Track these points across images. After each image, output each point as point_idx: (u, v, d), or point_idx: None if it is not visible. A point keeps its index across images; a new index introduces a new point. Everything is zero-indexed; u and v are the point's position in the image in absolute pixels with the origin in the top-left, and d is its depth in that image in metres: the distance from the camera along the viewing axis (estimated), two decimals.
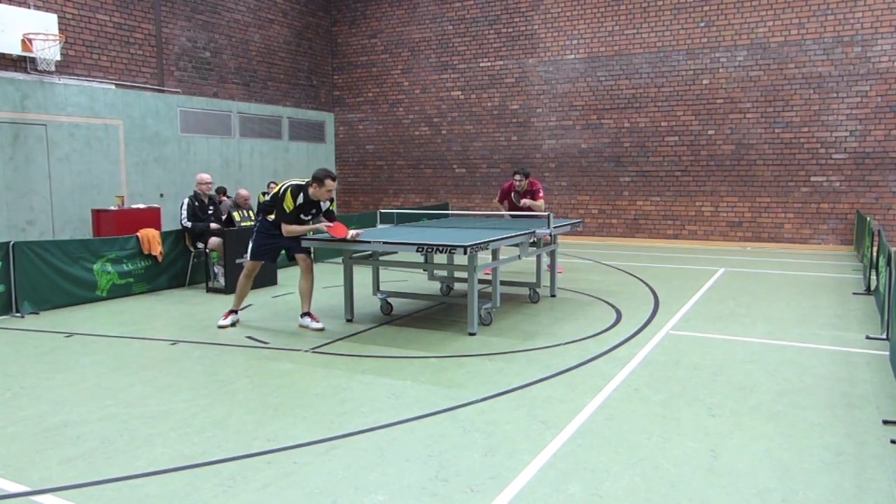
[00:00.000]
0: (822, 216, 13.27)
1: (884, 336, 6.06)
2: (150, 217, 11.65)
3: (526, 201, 9.52)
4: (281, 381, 5.03)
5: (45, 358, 5.76)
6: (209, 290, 8.99)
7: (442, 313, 7.45)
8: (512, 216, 9.71)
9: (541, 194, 9.71)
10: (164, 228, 11.10)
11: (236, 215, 9.32)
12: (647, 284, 9.12)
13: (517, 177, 9.74)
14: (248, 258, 7.01)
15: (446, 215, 11.46)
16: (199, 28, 14.47)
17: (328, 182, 6.68)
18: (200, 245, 9.14)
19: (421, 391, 4.78)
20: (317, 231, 6.99)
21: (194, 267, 9.33)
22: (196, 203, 9.20)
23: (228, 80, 15.27)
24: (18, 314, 7.37)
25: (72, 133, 12.00)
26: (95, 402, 4.60)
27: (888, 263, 6.09)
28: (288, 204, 6.64)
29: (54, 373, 5.31)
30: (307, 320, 6.80)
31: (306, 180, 6.85)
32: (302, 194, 6.69)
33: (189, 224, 9.10)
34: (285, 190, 6.69)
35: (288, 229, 6.72)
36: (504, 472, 3.48)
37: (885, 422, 4.10)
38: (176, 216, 9.66)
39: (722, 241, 14.08)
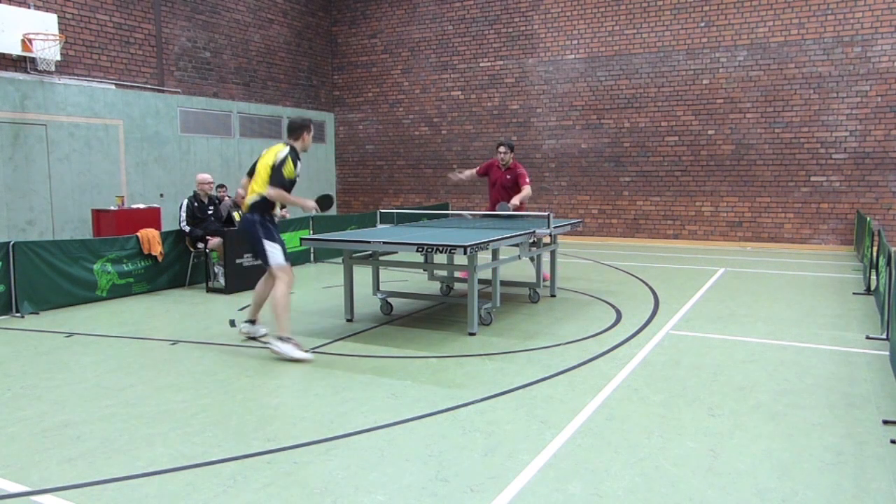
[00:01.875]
0: (822, 216, 13.27)
1: (884, 336, 6.06)
2: (150, 217, 11.65)
3: (515, 201, 8.62)
4: (281, 381, 5.03)
5: (45, 358, 5.76)
6: (209, 290, 8.99)
7: (442, 313, 7.45)
8: (487, 215, 8.87)
9: (527, 180, 8.92)
10: (164, 228, 11.10)
11: (236, 215, 9.32)
12: (647, 284, 9.12)
13: (501, 149, 8.86)
14: (283, 262, 5.82)
15: (446, 215, 11.47)
16: (199, 28, 14.47)
17: (312, 130, 6.05)
18: (200, 245, 9.14)
19: (421, 391, 4.78)
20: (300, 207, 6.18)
21: (194, 267, 9.33)
22: (195, 203, 9.20)
23: (228, 80, 15.27)
24: (18, 314, 7.37)
25: (72, 133, 12.00)
26: (95, 402, 4.60)
27: (888, 263, 6.09)
28: (289, 171, 5.81)
29: (54, 373, 5.31)
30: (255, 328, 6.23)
31: (286, 143, 6.02)
32: (299, 161, 5.98)
33: (188, 229, 9.11)
34: (285, 156, 5.82)
35: (283, 196, 5.81)
36: (504, 472, 3.48)
37: (885, 422, 4.10)
38: (176, 216, 9.67)
39: (722, 241, 14.09)
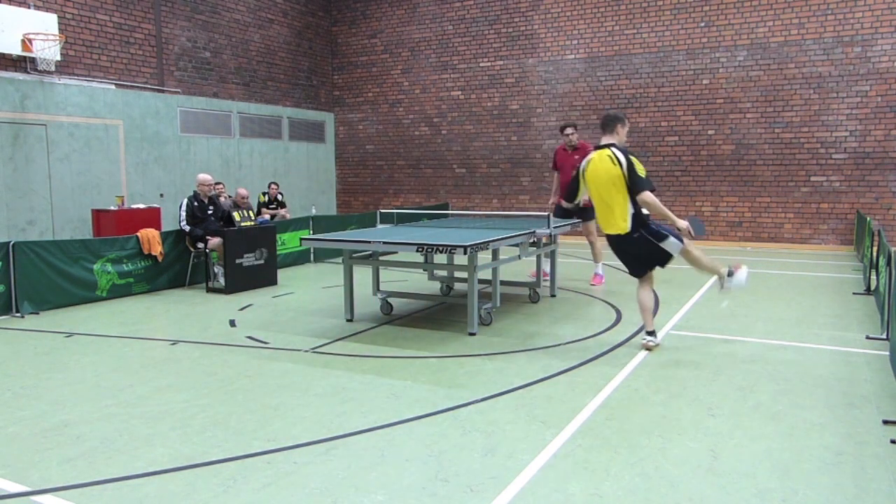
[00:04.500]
0: (822, 216, 13.27)
1: (884, 336, 6.06)
2: (150, 217, 11.66)
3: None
4: (281, 381, 5.03)
5: (45, 358, 5.76)
6: (209, 290, 8.99)
7: (442, 313, 7.45)
8: (567, 210, 8.06)
9: None
10: (164, 228, 11.10)
11: (236, 215, 9.33)
12: None
13: (568, 130, 8.47)
14: (681, 244, 5.49)
15: (446, 215, 11.46)
16: (199, 28, 14.47)
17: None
18: (200, 245, 9.14)
19: (421, 391, 4.78)
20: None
21: (194, 267, 9.33)
22: (195, 203, 9.20)
23: (228, 80, 15.27)
24: (18, 314, 7.37)
25: (72, 133, 12.00)
26: (95, 402, 4.60)
27: (888, 263, 6.09)
28: (642, 168, 5.43)
29: (54, 373, 5.31)
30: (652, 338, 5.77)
31: (606, 145, 5.56)
32: None
33: (187, 228, 9.11)
34: (624, 157, 5.38)
35: (657, 205, 5.35)
36: (504, 472, 3.48)
37: (885, 422, 4.10)
38: (176, 216, 9.67)
39: (722, 241, 14.08)
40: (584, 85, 15.10)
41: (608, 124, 5.65)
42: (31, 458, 3.71)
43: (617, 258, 5.87)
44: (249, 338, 6.40)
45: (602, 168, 5.47)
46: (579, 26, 15.03)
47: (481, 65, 16.24)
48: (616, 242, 5.66)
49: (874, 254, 8.31)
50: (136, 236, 8.77)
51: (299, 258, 11.46)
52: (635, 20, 14.47)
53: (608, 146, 5.54)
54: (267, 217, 12.77)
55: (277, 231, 10.36)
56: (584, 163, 5.74)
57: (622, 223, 5.48)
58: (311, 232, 11.58)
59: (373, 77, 17.67)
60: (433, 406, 4.45)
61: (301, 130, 17.29)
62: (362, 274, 9.18)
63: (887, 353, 5.58)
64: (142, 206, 12.28)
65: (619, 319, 7.02)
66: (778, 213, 13.60)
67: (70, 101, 11.94)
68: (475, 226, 8.09)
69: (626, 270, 5.96)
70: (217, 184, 11.98)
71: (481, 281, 7.09)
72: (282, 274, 9.91)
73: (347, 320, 7.02)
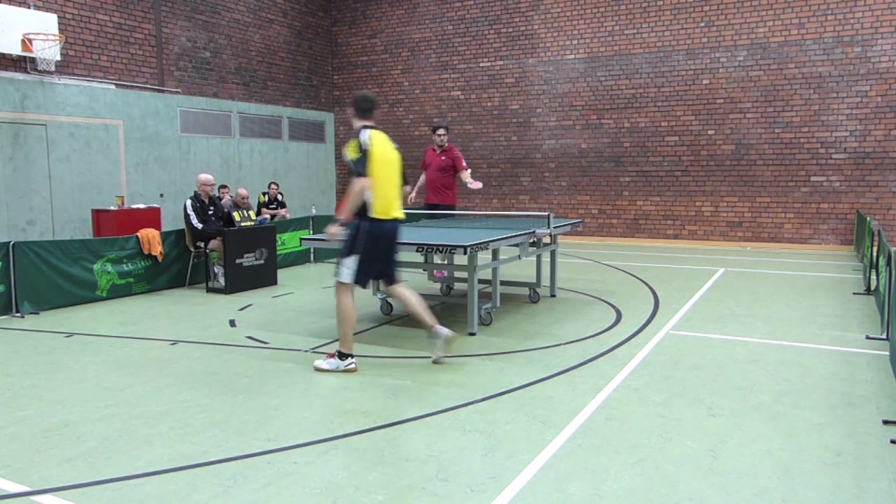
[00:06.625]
0: (822, 216, 13.27)
1: (884, 336, 6.06)
2: (150, 217, 11.65)
3: (468, 178, 8.86)
4: (281, 381, 5.03)
5: (45, 358, 5.76)
6: (209, 290, 8.99)
7: (442, 313, 7.44)
8: (430, 206, 9.11)
9: (464, 163, 9.12)
10: (164, 228, 11.10)
11: (236, 215, 9.32)
12: (647, 284, 9.12)
13: (440, 131, 8.82)
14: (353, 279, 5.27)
15: (446, 215, 11.42)
16: (199, 28, 14.48)
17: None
18: (201, 245, 9.14)
19: (421, 391, 4.78)
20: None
21: (194, 267, 9.33)
22: (197, 204, 9.20)
23: (228, 80, 15.27)
24: (18, 314, 7.37)
25: (72, 133, 12.00)
26: (95, 402, 4.59)
27: (888, 263, 6.09)
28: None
29: (54, 373, 5.31)
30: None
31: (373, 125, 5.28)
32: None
33: (201, 226, 9.07)
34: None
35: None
36: (504, 472, 3.48)
37: (885, 422, 4.10)
38: (176, 216, 9.67)
39: (722, 241, 14.08)
40: (584, 85, 15.10)
41: (373, 108, 5.33)
42: (31, 458, 3.71)
43: (372, 257, 5.30)
44: (249, 338, 6.40)
45: (391, 147, 5.32)
46: (579, 26, 15.04)
47: (481, 65, 16.25)
48: (397, 231, 5.33)
49: (874, 254, 8.31)
50: (136, 236, 8.76)
51: (299, 258, 11.46)
52: (635, 20, 14.47)
53: (376, 127, 5.26)
54: (267, 217, 12.77)
55: (277, 231, 10.36)
56: (366, 137, 5.06)
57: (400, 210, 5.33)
58: (311, 232, 11.57)
59: (373, 77, 17.68)
60: (433, 406, 4.45)
61: (301, 130, 17.29)
62: None
63: (887, 353, 5.58)
64: (142, 206, 12.28)
65: (619, 319, 7.02)
66: (778, 213, 13.60)
67: (70, 101, 11.94)
68: (475, 226, 8.09)
69: (382, 276, 5.42)
70: (222, 187, 12.00)
71: (481, 281, 7.09)
72: (282, 274, 9.91)
73: None
